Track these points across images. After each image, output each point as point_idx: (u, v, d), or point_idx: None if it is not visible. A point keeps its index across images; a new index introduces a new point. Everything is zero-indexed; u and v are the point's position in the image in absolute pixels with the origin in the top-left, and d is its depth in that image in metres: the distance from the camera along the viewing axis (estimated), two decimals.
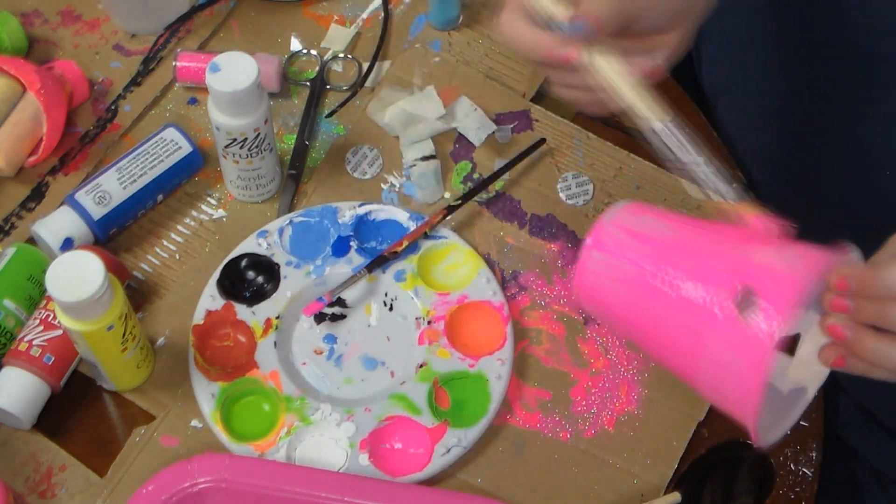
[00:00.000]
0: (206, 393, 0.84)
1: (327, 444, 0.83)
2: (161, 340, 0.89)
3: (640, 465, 0.85)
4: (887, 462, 0.96)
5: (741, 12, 1.00)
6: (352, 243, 0.91)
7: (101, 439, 0.85)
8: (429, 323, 0.89)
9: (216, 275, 0.89)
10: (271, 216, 0.94)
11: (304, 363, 0.87)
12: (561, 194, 0.96)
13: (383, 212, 0.93)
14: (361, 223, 0.92)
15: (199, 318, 0.87)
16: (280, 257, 0.90)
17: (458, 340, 0.88)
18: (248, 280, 0.90)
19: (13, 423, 0.84)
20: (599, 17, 0.71)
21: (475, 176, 0.97)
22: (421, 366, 0.87)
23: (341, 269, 0.90)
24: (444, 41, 1.03)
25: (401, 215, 0.93)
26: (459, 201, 0.93)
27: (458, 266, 0.92)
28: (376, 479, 0.82)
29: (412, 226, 0.92)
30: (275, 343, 0.87)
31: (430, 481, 0.83)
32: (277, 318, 0.88)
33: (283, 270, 0.90)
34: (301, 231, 0.92)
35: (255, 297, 0.89)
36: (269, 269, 0.90)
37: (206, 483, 0.79)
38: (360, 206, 0.93)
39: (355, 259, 0.91)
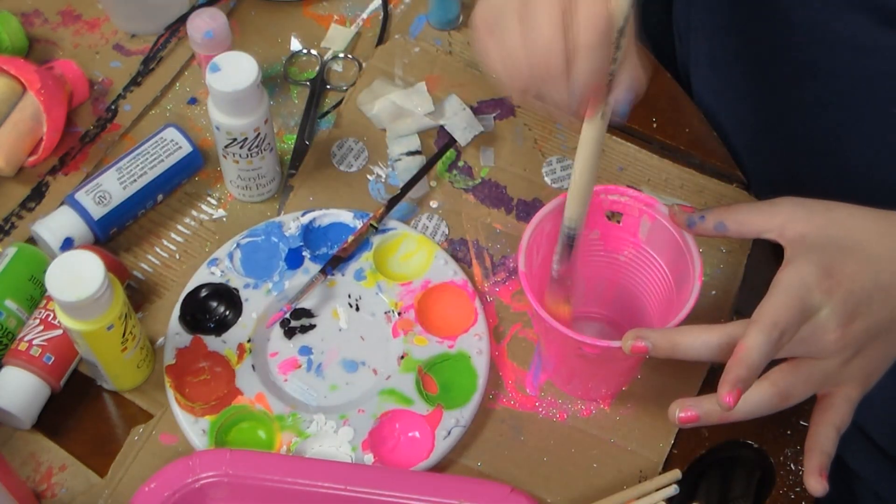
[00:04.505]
0: (197, 430, 0.83)
1: (329, 452, 0.83)
2: (161, 340, 0.89)
3: (637, 442, 0.85)
4: (888, 489, 0.96)
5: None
6: (304, 253, 0.91)
7: (101, 439, 0.85)
8: (399, 314, 0.89)
9: (177, 311, 0.88)
10: (271, 216, 0.94)
11: (286, 380, 0.87)
12: (546, 178, 0.96)
13: (327, 216, 0.93)
14: (308, 231, 0.92)
15: (169, 358, 0.86)
16: (237, 281, 0.90)
17: (432, 325, 0.89)
18: (210, 310, 0.89)
19: (13, 423, 0.84)
20: (639, 94, 0.70)
21: (460, 164, 0.97)
22: (402, 357, 0.87)
23: (300, 280, 0.90)
24: (445, 41, 1.03)
25: (345, 216, 0.93)
26: (401, 193, 0.93)
27: (413, 254, 0.92)
28: (378, 467, 0.82)
29: (358, 224, 0.92)
30: (252, 366, 0.86)
31: (434, 468, 0.84)
32: (249, 341, 0.87)
33: (243, 294, 0.89)
34: (250, 251, 0.92)
35: (221, 325, 0.88)
36: (228, 296, 0.89)
37: (209, 478, 0.79)
38: (303, 214, 0.92)
39: (311, 268, 0.90)
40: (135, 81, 1.01)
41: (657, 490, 0.81)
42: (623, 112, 0.70)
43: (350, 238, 0.91)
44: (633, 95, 0.70)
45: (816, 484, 0.73)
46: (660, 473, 0.83)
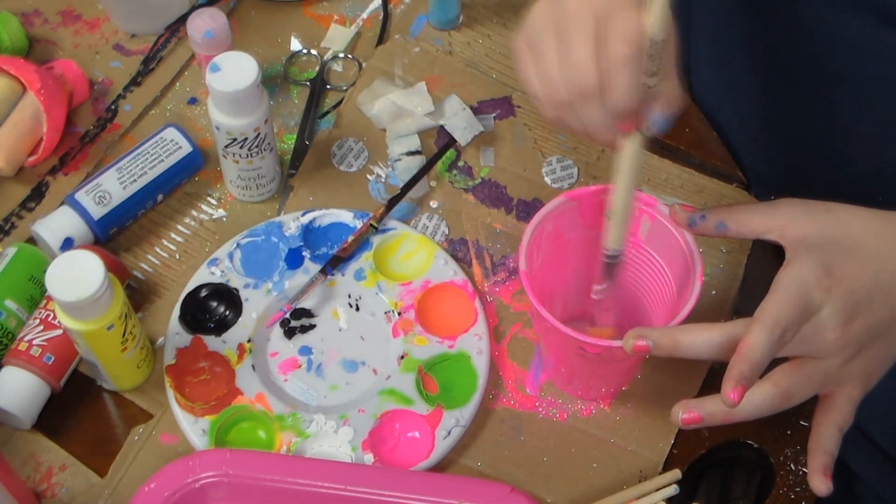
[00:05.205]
0: (197, 430, 0.83)
1: (329, 452, 0.83)
2: (161, 340, 0.89)
3: (637, 442, 0.85)
4: (889, 491, 0.96)
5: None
6: (304, 253, 0.91)
7: (101, 439, 0.85)
8: (399, 314, 0.89)
9: (177, 311, 0.88)
10: (271, 216, 0.94)
11: (286, 380, 0.87)
12: (546, 178, 0.96)
13: (328, 216, 0.93)
14: (308, 231, 0.92)
15: (170, 358, 0.86)
16: (237, 281, 0.90)
17: (432, 325, 0.89)
18: (210, 310, 0.89)
19: (13, 423, 0.84)
20: (675, 113, 0.70)
21: (460, 164, 0.97)
22: (402, 357, 0.87)
23: (300, 280, 0.90)
24: (445, 41, 1.03)
25: (345, 216, 0.93)
26: (401, 193, 0.93)
27: (413, 254, 0.92)
28: (378, 467, 0.82)
29: (358, 224, 0.92)
30: (252, 366, 0.86)
31: (434, 468, 0.84)
32: (249, 341, 0.87)
33: (243, 294, 0.89)
34: (250, 251, 0.91)
35: (221, 325, 0.88)
36: (228, 296, 0.89)
37: (209, 478, 0.79)
38: (303, 214, 0.92)
39: (311, 268, 0.90)
40: (135, 81, 1.01)
41: (657, 490, 0.81)
42: (661, 128, 0.70)
43: (350, 238, 0.91)
44: (671, 112, 0.70)
45: (821, 484, 0.73)
46: (660, 473, 0.83)
